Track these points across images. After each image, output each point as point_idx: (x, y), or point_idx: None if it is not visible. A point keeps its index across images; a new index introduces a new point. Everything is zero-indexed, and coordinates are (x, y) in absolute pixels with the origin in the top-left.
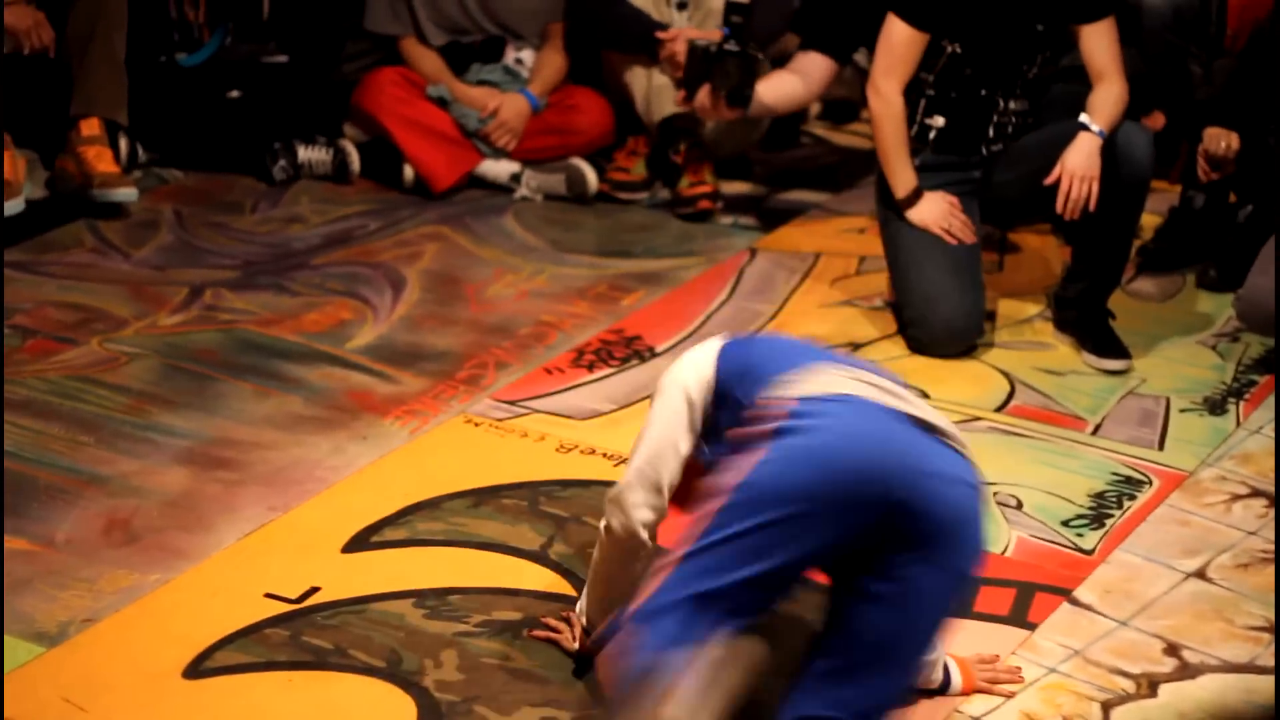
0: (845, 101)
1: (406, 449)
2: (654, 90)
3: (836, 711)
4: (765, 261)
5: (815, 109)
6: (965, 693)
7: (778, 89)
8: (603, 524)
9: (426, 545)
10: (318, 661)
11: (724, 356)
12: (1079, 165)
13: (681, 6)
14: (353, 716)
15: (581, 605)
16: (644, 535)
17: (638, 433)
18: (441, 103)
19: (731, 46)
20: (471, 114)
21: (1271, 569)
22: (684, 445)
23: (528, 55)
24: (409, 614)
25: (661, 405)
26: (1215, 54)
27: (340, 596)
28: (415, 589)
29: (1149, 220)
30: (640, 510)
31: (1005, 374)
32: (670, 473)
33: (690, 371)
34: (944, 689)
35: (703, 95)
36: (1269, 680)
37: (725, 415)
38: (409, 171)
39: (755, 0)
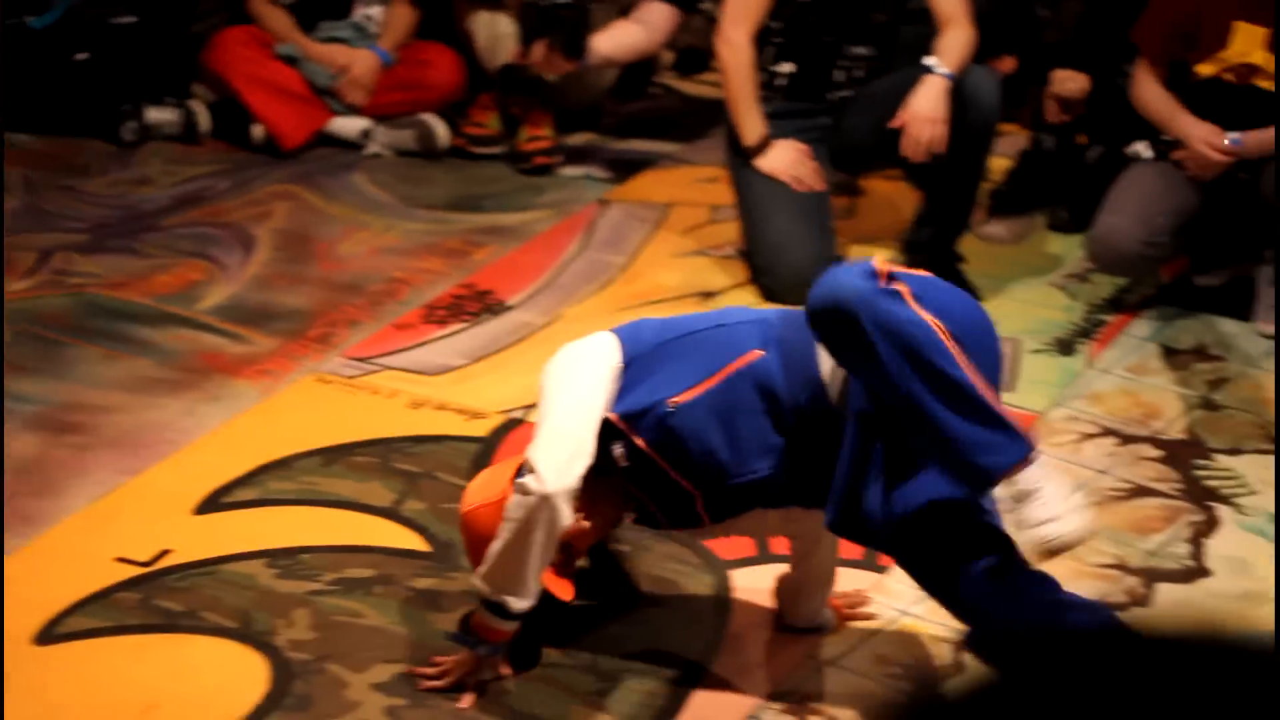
0: (696, 50)
1: (258, 409)
2: (497, 39)
3: None
4: (617, 212)
5: (666, 59)
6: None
7: (616, 39)
8: (523, 489)
9: (278, 505)
10: (169, 624)
11: (624, 337)
12: (925, 108)
13: None
14: (205, 678)
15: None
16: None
17: (543, 411)
18: (291, 61)
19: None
20: (321, 71)
21: (1122, 506)
22: (599, 417)
23: (376, 11)
24: (261, 574)
25: (573, 380)
26: None
27: (192, 558)
28: (267, 549)
29: (999, 163)
30: (575, 473)
31: None
32: (593, 440)
33: (597, 350)
34: (822, 629)
35: (538, 50)
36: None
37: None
38: (258, 130)
39: None
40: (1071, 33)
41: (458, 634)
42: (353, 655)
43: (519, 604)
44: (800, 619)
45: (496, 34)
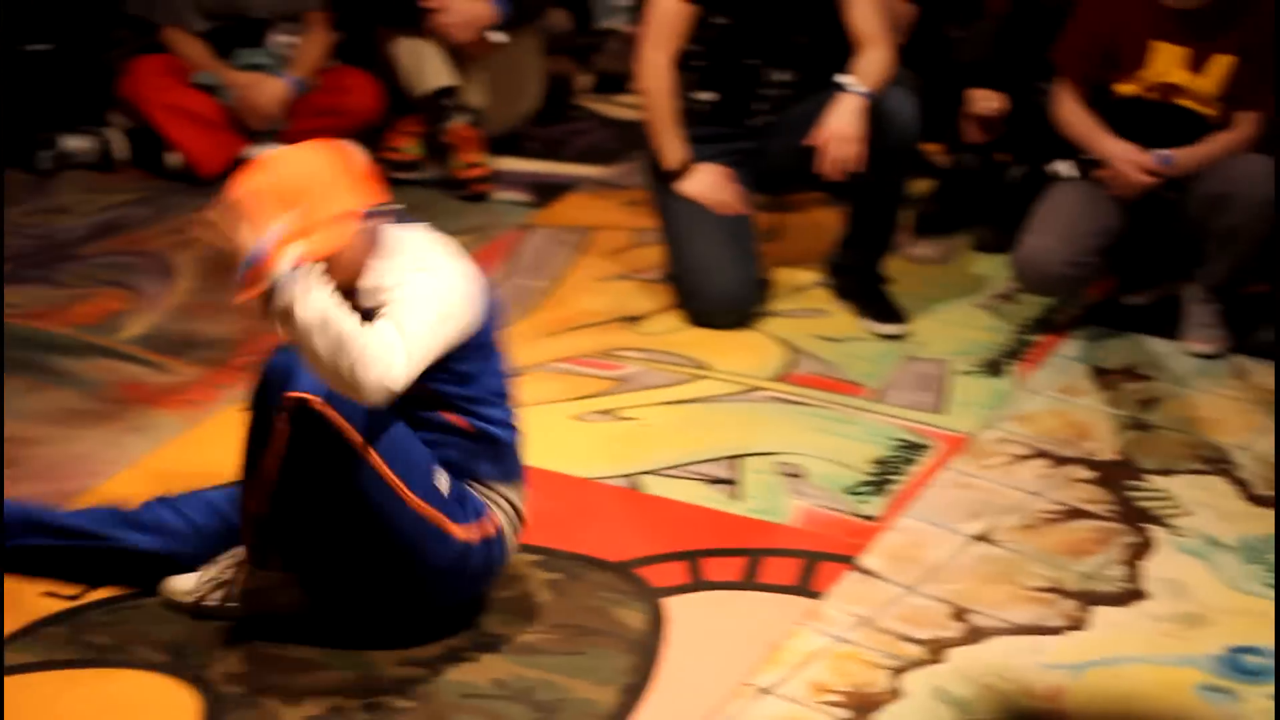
0: (613, 74)
1: (182, 440)
2: (419, 63)
3: None
4: (540, 237)
5: (585, 81)
6: None
7: None
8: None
9: None
10: (98, 659)
11: None
12: (840, 126)
13: None
14: (136, 713)
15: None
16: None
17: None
18: (209, 89)
19: None
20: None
21: (1056, 529)
22: None
23: (293, 39)
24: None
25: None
26: (974, 16)
27: (119, 591)
28: None
29: (922, 184)
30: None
31: (784, 342)
32: None
33: None
34: None
35: None
36: (1056, 641)
37: None
38: (173, 158)
39: None
40: (988, 52)
41: None
42: (286, 688)
43: None
44: None
45: (420, 58)
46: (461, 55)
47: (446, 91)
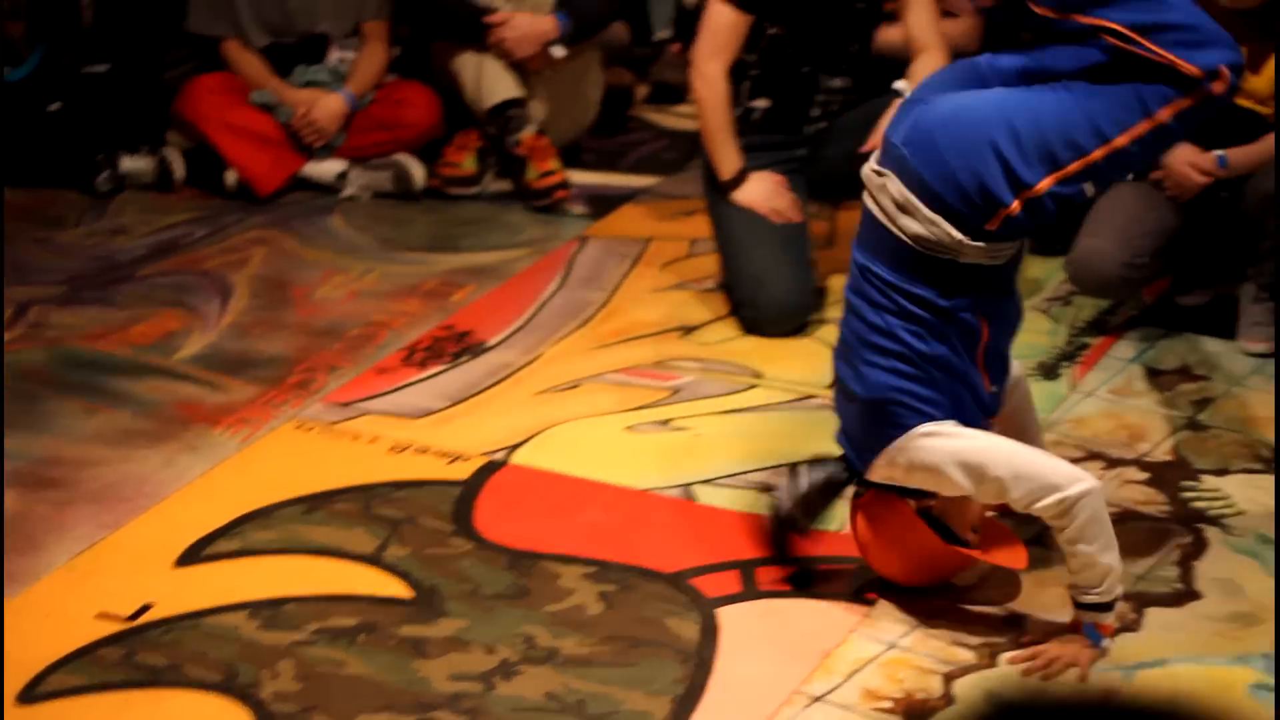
0: (669, 84)
1: (237, 458)
2: (483, 76)
3: None
4: (596, 249)
5: (641, 92)
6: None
7: None
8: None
9: (260, 555)
10: (152, 680)
11: None
12: None
13: None
14: None
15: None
16: None
17: None
18: (266, 107)
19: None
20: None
21: None
22: None
23: (352, 55)
24: (244, 625)
25: None
26: None
27: (174, 612)
28: (249, 600)
29: None
30: None
31: None
32: None
33: None
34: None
35: None
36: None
37: None
38: (231, 177)
39: None
40: None
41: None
42: (337, 706)
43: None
44: None
45: (483, 72)
46: (521, 70)
47: (514, 103)
